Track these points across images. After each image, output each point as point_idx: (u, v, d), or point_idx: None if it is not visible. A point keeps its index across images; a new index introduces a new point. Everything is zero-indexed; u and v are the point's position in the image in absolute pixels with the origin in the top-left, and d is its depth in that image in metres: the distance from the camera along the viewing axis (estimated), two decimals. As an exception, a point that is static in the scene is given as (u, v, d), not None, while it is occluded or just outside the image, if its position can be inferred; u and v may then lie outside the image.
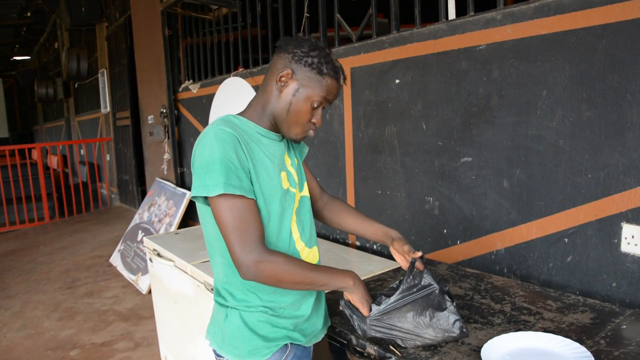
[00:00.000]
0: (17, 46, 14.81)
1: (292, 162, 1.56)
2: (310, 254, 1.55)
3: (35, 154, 10.95)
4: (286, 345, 1.47)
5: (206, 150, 1.31)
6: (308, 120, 1.45)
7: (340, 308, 1.52)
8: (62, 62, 9.39)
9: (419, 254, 1.55)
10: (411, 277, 1.47)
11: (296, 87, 1.41)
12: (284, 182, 1.47)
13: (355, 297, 1.44)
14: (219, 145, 1.30)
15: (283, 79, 1.41)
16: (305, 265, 1.37)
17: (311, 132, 1.49)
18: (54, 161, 9.84)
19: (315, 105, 1.43)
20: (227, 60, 4.51)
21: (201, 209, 1.43)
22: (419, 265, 1.53)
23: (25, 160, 8.12)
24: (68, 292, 4.78)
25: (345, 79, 1.48)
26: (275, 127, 1.49)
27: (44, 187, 7.70)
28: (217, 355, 1.51)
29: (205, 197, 1.35)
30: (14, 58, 16.78)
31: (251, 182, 1.36)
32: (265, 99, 1.46)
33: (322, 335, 1.64)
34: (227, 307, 1.47)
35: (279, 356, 1.45)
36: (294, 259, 1.35)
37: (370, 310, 1.45)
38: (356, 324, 1.50)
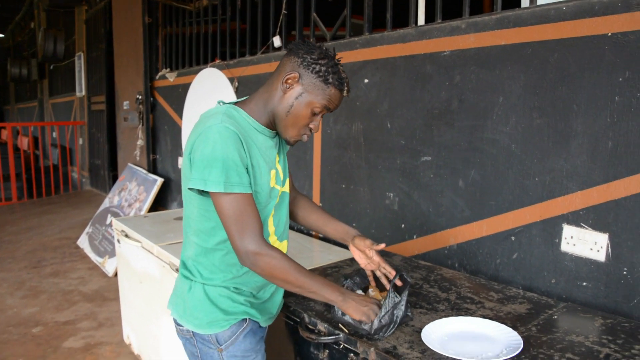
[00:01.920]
0: (-11, 23, 14.53)
1: (280, 158, 1.64)
2: (279, 247, 1.65)
3: (5, 134, 10.81)
4: (244, 319, 1.57)
5: (209, 146, 1.37)
6: (305, 125, 1.51)
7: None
8: (37, 43, 9.28)
9: (382, 245, 1.66)
10: (393, 295, 1.56)
11: (300, 91, 1.47)
12: (272, 180, 1.55)
13: (348, 311, 1.50)
14: (222, 143, 1.37)
15: (289, 81, 1.47)
16: (300, 269, 1.45)
17: (305, 137, 1.55)
18: (24, 142, 9.74)
19: (316, 112, 1.49)
20: (205, 51, 4.58)
21: (188, 192, 1.50)
22: (398, 282, 1.64)
23: (-5, 139, 8.03)
24: (33, 272, 4.79)
25: (349, 90, 1.54)
26: (272, 124, 1.55)
27: (13, 167, 7.63)
28: (178, 324, 1.59)
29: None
30: (-14, 36, 16.46)
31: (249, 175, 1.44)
32: (269, 96, 1.52)
33: (273, 319, 1.73)
34: (192, 280, 1.56)
35: (236, 329, 1.54)
36: (291, 260, 1.44)
37: (371, 317, 1.50)
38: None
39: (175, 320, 1.61)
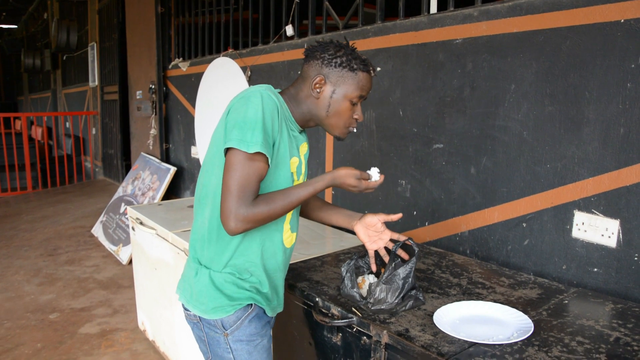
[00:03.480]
0: (3, 14, 14.57)
1: (306, 152, 1.67)
2: (290, 237, 1.65)
3: (20, 124, 10.91)
4: (249, 304, 1.57)
5: (252, 108, 1.38)
6: (349, 117, 1.55)
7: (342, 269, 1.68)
8: (51, 33, 9.36)
9: (399, 215, 1.69)
10: (394, 264, 1.60)
11: (332, 89, 1.50)
12: (292, 166, 1.56)
13: (346, 186, 1.52)
14: (264, 108, 1.39)
15: (317, 85, 1.51)
16: (282, 194, 1.44)
17: (352, 129, 1.59)
18: (38, 132, 9.83)
19: (354, 102, 1.52)
20: (218, 40, 4.61)
21: (216, 159, 1.48)
22: (403, 254, 1.68)
23: (9, 129, 8.12)
24: (49, 259, 4.86)
25: (375, 69, 1.56)
26: (304, 122, 1.58)
27: (28, 157, 7.72)
28: (185, 309, 1.62)
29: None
30: (0, 26, 16.55)
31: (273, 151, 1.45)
32: (300, 100, 1.55)
33: (278, 311, 1.73)
34: (199, 264, 1.58)
35: (241, 314, 1.55)
36: (274, 199, 1.42)
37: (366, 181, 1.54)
38: (343, 289, 1.66)
39: (183, 305, 1.63)
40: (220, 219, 1.45)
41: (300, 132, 1.62)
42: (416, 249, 1.65)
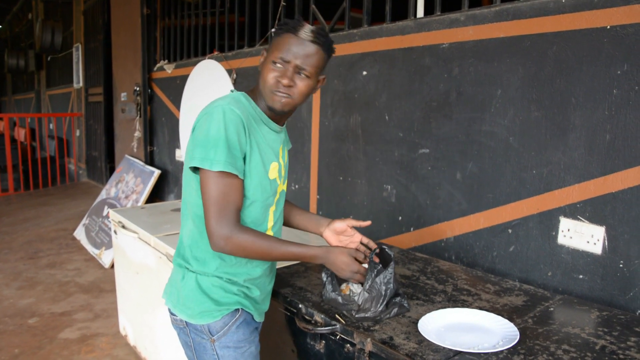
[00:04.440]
0: (-13, 14, 14.46)
1: (283, 154, 1.64)
2: None
3: (2, 125, 10.77)
4: (237, 309, 1.55)
5: (214, 126, 1.37)
6: (272, 79, 1.45)
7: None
8: (35, 34, 9.25)
9: (367, 222, 1.66)
10: (373, 263, 1.58)
11: (265, 55, 1.50)
12: (272, 172, 1.54)
13: (334, 270, 1.55)
14: (225, 124, 1.37)
15: (260, 59, 1.52)
16: (273, 243, 1.45)
17: (279, 94, 1.45)
18: (21, 134, 9.70)
19: (276, 62, 1.43)
20: (203, 43, 4.57)
21: (189, 175, 1.49)
22: (375, 258, 1.64)
23: (-9, 130, 8.01)
24: (29, 263, 4.78)
25: (317, 36, 1.44)
26: (273, 115, 1.54)
27: (10, 158, 7.61)
28: (172, 314, 1.59)
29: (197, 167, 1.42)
30: (-16, 26, 16.38)
31: (244, 163, 1.44)
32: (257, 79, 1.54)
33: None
34: (186, 269, 1.55)
35: (228, 319, 1.53)
36: (263, 237, 1.44)
37: (357, 278, 1.56)
38: (325, 294, 1.64)
39: (169, 310, 1.60)
40: (204, 231, 1.48)
41: (279, 132, 1.59)
42: (391, 254, 1.62)
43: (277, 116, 1.55)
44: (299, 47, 1.43)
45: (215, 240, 1.39)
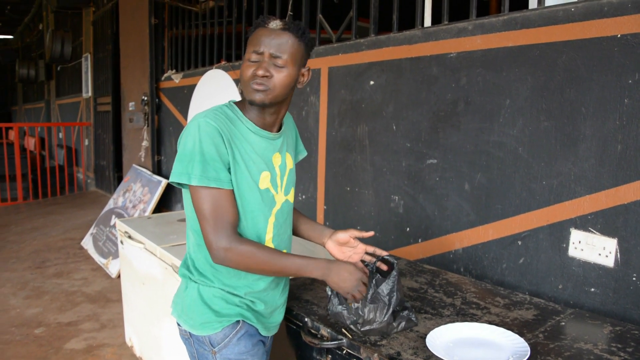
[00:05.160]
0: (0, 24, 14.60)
1: (281, 162, 1.58)
2: None
3: (13, 135, 10.84)
4: (238, 321, 1.52)
5: (189, 140, 1.38)
6: (249, 74, 1.43)
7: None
8: (45, 44, 9.31)
9: (371, 233, 1.62)
10: (374, 281, 1.54)
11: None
12: (263, 181, 1.51)
13: (333, 287, 1.50)
14: (200, 137, 1.36)
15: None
16: (275, 255, 1.43)
17: (255, 85, 1.42)
18: (31, 143, 9.76)
19: (250, 58, 1.43)
20: (211, 52, 4.58)
21: (184, 190, 1.51)
22: (382, 266, 1.61)
23: (1, 139, 8.05)
24: (37, 272, 4.78)
25: (288, 26, 1.44)
26: (268, 124, 1.52)
27: (19, 167, 7.64)
28: (178, 324, 1.58)
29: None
30: (-3, 36, 16.54)
31: (230, 173, 1.42)
32: None
33: (275, 329, 1.69)
34: (189, 279, 1.55)
35: (228, 331, 1.50)
36: (264, 249, 1.42)
37: (355, 297, 1.50)
38: (330, 308, 1.59)
39: (176, 320, 1.59)
40: (202, 243, 1.48)
41: (273, 139, 1.55)
42: (394, 262, 1.59)
43: (267, 120, 1.51)
44: (270, 37, 1.42)
45: (215, 253, 1.39)
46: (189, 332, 1.53)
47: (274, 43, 1.42)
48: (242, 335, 1.52)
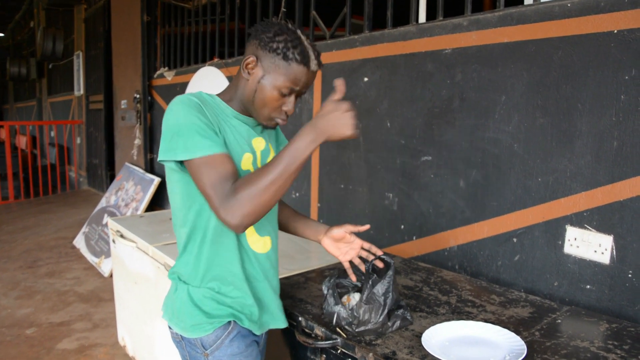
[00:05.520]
0: (-10, 22, 14.48)
1: (264, 147, 1.53)
2: (259, 241, 1.53)
3: (3, 133, 10.76)
4: (229, 322, 1.48)
5: (171, 116, 1.33)
6: (276, 108, 1.42)
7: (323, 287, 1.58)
8: (37, 42, 9.24)
9: (366, 226, 1.58)
10: (370, 281, 1.52)
11: (261, 74, 1.39)
12: (245, 162, 1.45)
13: (335, 135, 1.29)
14: (184, 110, 1.31)
15: (249, 66, 1.40)
16: (267, 166, 1.27)
17: (279, 120, 1.46)
18: (22, 141, 9.68)
19: (284, 93, 1.40)
20: (204, 50, 4.54)
21: (169, 176, 1.43)
22: (379, 263, 1.59)
23: (-7, 138, 7.99)
24: (28, 272, 4.73)
25: (320, 64, 1.42)
26: (248, 112, 1.48)
27: (10, 166, 7.58)
28: (169, 327, 1.54)
29: (177, 162, 1.34)
30: (-13, 34, 16.42)
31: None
32: (237, 83, 1.46)
33: (276, 326, 1.62)
34: (178, 280, 1.51)
35: (220, 332, 1.46)
36: (253, 174, 1.27)
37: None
38: (326, 307, 1.56)
39: (167, 323, 1.55)
40: (190, 242, 1.45)
41: (256, 125, 1.52)
42: (391, 262, 1.57)
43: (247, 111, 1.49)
44: (309, 79, 1.41)
45: (229, 219, 1.24)
46: (181, 335, 1.49)
47: (309, 84, 1.43)
48: (235, 336, 1.48)
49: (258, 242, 1.53)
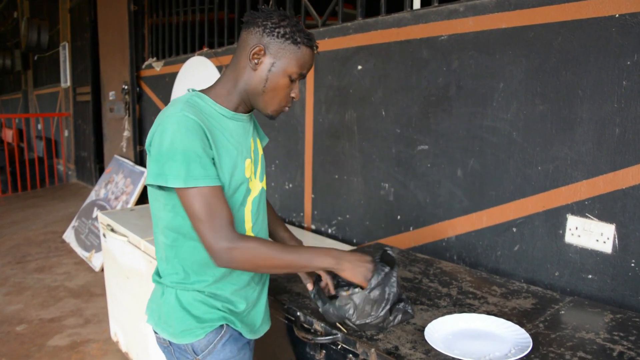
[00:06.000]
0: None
1: (255, 148, 1.51)
2: None
3: (-11, 126, 10.60)
4: (221, 326, 1.43)
5: (167, 137, 1.25)
6: (287, 95, 1.41)
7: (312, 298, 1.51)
8: (21, 33, 9.09)
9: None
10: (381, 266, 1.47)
11: (272, 61, 1.35)
12: (247, 170, 1.43)
13: (346, 275, 1.38)
14: (181, 134, 1.24)
15: (255, 55, 1.35)
16: (282, 248, 1.33)
17: (286, 108, 1.45)
18: (8, 135, 9.55)
19: (293, 78, 1.38)
20: (192, 40, 4.46)
21: (150, 190, 1.39)
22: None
23: (-22, 131, 7.86)
24: (17, 267, 4.66)
25: (317, 47, 1.43)
26: (245, 106, 1.43)
27: (-3, 160, 7.49)
28: (155, 332, 1.47)
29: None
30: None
31: (215, 167, 1.32)
32: (237, 76, 1.40)
33: (262, 333, 1.59)
34: (163, 284, 1.44)
35: (212, 337, 1.41)
36: (269, 243, 1.32)
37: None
38: (323, 309, 1.51)
39: (152, 328, 1.48)
40: (178, 243, 1.39)
41: (248, 121, 1.49)
42: (395, 257, 1.53)
43: (240, 105, 1.44)
44: (313, 61, 1.42)
45: (218, 256, 1.26)
46: (169, 341, 1.43)
47: (311, 67, 1.44)
48: (227, 340, 1.43)
49: None
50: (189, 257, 1.39)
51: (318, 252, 1.36)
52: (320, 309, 1.50)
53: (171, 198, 1.34)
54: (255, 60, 1.36)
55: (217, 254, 1.26)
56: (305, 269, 1.37)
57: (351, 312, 1.46)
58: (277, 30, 1.34)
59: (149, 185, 1.32)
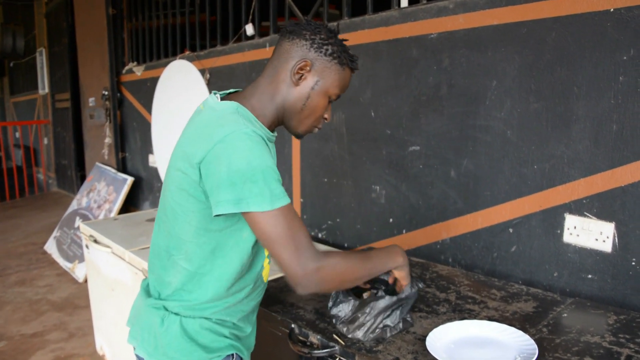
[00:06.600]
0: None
1: None
2: (268, 267, 1.43)
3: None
4: (231, 355, 1.32)
5: (241, 157, 1.11)
6: (321, 116, 1.33)
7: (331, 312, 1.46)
8: (-5, 39, 8.93)
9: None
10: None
11: (316, 79, 1.27)
12: None
13: (405, 272, 1.39)
14: (257, 151, 1.13)
15: (301, 70, 1.26)
16: (359, 257, 1.27)
17: (316, 129, 1.38)
18: (-14, 144, 9.35)
19: (332, 99, 1.32)
20: (174, 43, 4.38)
21: (181, 202, 1.25)
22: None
23: (-46, 141, 7.69)
24: (-3, 281, 4.54)
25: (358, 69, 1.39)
26: (277, 123, 1.34)
27: (-25, 170, 7.32)
28: None
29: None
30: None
31: None
32: (274, 89, 1.30)
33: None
34: (166, 311, 1.30)
35: None
36: (344, 254, 1.24)
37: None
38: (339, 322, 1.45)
39: (140, 357, 1.34)
40: (200, 270, 1.27)
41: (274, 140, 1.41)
42: (415, 289, 1.46)
43: (277, 121, 1.36)
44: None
45: (305, 280, 1.13)
46: None
47: None
48: None
49: (267, 268, 1.44)
50: (211, 285, 1.28)
51: (387, 253, 1.35)
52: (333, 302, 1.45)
53: (207, 221, 1.23)
54: (299, 76, 1.27)
55: (304, 279, 1.13)
56: (381, 272, 1.34)
57: (348, 321, 1.42)
58: (325, 47, 1.26)
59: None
